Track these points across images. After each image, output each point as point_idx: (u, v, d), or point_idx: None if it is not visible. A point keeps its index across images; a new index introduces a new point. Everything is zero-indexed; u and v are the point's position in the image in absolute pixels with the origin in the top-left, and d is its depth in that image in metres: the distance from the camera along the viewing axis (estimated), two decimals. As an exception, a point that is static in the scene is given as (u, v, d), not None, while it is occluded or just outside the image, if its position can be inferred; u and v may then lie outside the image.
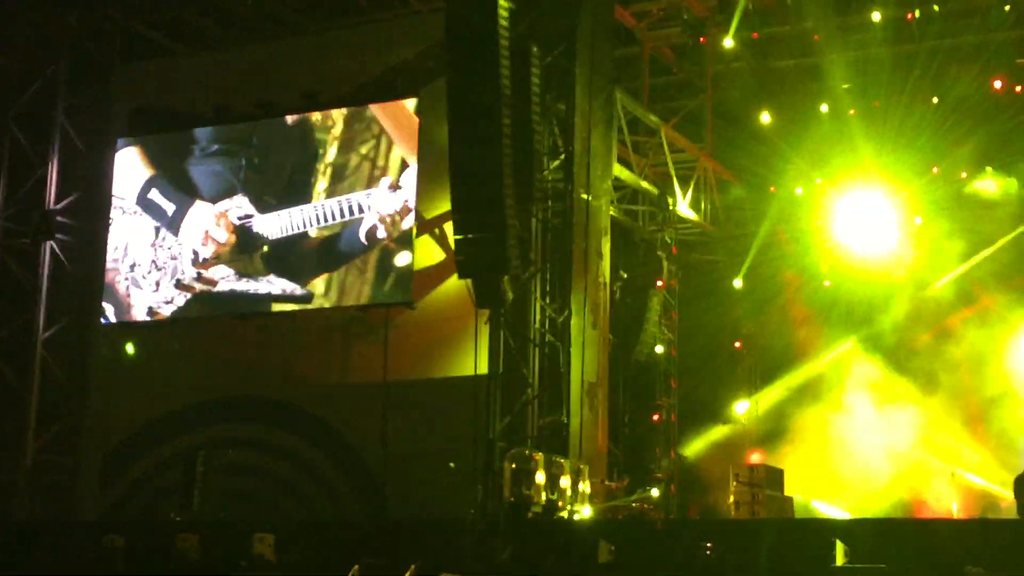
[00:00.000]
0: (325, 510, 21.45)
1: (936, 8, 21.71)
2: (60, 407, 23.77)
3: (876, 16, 21.73)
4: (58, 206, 24.01)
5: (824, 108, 23.25)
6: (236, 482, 21.40)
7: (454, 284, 19.53)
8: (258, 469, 22.06)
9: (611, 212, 20.94)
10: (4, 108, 24.12)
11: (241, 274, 22.56)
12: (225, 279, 22.65)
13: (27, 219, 23.88)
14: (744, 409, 23.98)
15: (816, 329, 23.45)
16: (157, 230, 23.31)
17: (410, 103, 21.66)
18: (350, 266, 21.74)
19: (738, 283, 24.11)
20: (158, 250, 23.22)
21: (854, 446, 21.79)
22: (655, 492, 20.46)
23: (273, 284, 22.31)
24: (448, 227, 18.50)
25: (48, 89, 24.14)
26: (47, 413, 23.56)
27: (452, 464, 18.43)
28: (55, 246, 23.87)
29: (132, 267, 23.40)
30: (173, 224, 23.19)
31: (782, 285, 24.02)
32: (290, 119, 22.71)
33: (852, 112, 22.98)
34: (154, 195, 23.45)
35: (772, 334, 23.90)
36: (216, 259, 22.75)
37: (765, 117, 23.33)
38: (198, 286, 22.81)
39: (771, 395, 23.81)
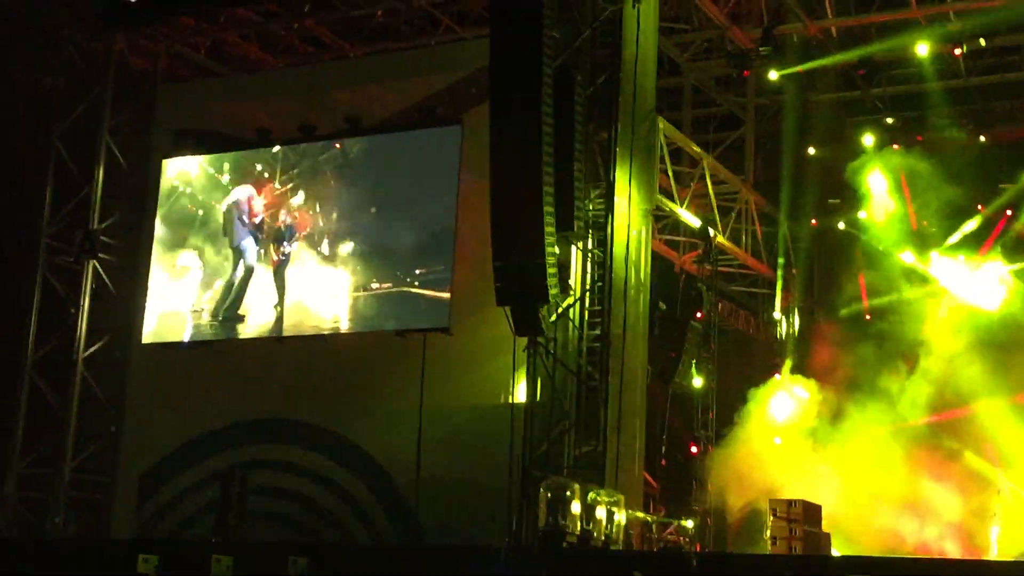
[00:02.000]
0: (358, 534, 21.40)
1: (983, 43, 21.64)
2: (98, 426, 23.85)
3: (923, 50, 21.65)
4: (102, 225, 24.17)
5: (868, 141, 23.17)
6: (271, 504, 21.38)
7: (492, 311, 19.50)
8: (292, 492, 22.04)
9: (651, 242, 20.87)
10: (50, 128, 24.33)
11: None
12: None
13: (71, 238, 24.05)
14: (779, 442, 23.75)
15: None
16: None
17: (452, 129, 21.68)
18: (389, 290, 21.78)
19: (777, 315, 24.01)
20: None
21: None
22: (690, 524, 20.34)
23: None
24: (488, 254, 18.46)
25: (93, 110, 24.36)
26: (85, 431, 23.66)
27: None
28: (98, 265, 24.02)
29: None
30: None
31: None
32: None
33: (896, 147, 22.89)
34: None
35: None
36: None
37: (809, 150, 23.27)
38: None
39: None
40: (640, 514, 19.44)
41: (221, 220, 23.45)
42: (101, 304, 24.14)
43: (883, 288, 23.76)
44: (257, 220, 23.15)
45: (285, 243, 22.83)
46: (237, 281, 23.13)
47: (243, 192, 23.35)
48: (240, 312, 22.96)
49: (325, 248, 22.47)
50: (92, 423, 23.80)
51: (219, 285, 23.25)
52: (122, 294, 24.18)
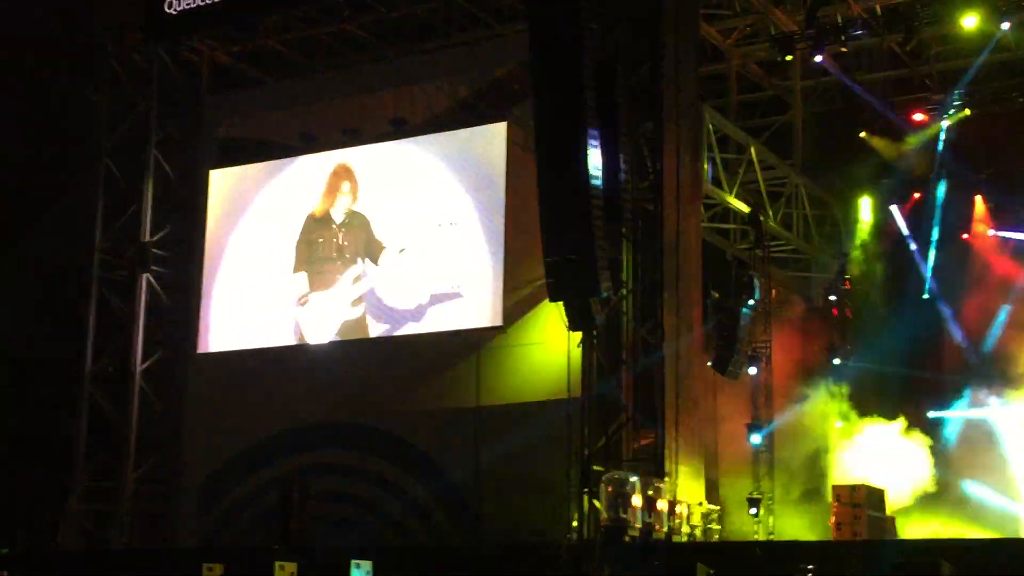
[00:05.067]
0: (420, 536, 21.41)
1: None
2: (158, 437, 24.00)
3: (970, 22, 21.33)
4: (153, 238, 24.31)
5: (919, 118, 22.92)
6: (332, 508, 21.43)
7: (545, 307, 19.45)
8: (352, 495, 22.09)
9: (701, 231, 20.73)
10: (98, 143, 24.50)
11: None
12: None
13: (123, 251, 24.22)
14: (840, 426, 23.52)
15: None
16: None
17: (498, 126, 21.63)
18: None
19: (833, 297, 23.81)
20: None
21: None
22: (753, 512, 20.20)
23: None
24: (538, 250, 18.41)
25: (140, 123, 24.51)
26: (145, 443, 23.81)
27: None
28: (151, 278, 24.17)
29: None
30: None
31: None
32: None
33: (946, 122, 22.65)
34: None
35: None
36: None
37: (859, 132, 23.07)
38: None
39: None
40: (702, 505, 19.31)
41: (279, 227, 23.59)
42: (156, 316, 24.28)
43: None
44: (315, 226, 23.22)
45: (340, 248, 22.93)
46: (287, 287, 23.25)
47: (302, 199, 23.45)
48: (296, 319, 23.04)
49: (379, 252, 22.50)
50: (151, 435, 23.94)
51: (275, 292, 23.38)
52: (177, 305, 24.32)
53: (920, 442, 21.80)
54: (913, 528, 20.28)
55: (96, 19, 24.37)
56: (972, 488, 21.53)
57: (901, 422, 21.98)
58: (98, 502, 23.59)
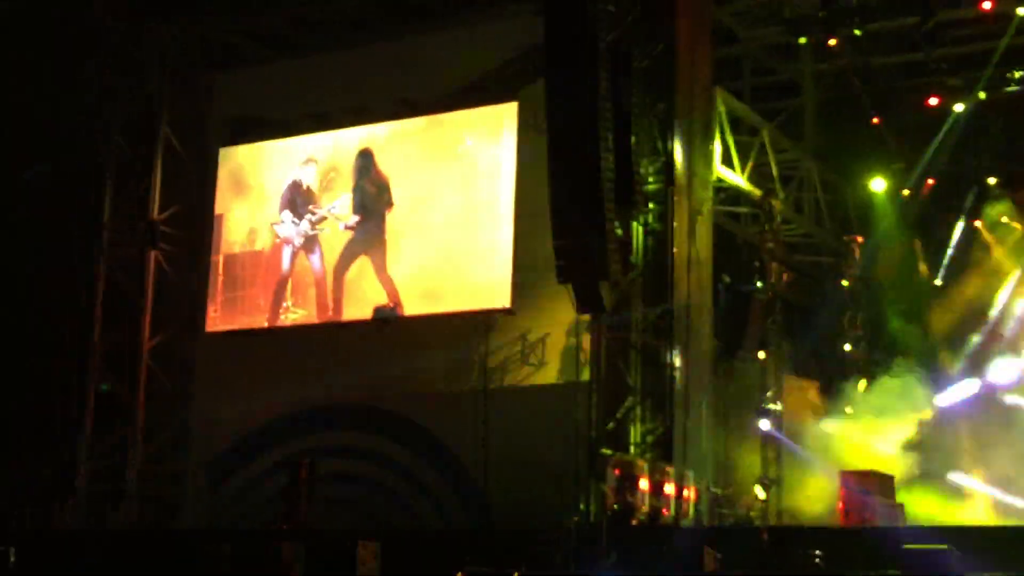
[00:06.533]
0: (428, 518, 21.40)
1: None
2: (166, 416, 24.00)
3: (987, 5, 21.14)
4: (162, 216, 24.28)
5: (933, 102, 22.73)
6: (340, 490, 21.41)
7: (554, 289, 19.38)
8: (360, 477, 22.07)
9: (713, 214, 20.62)
10: (109, 121, 24.45)
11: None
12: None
13: (132, 230, 24.19)
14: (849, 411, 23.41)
15: None
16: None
17: (507, 107, 21.53)
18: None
19: (845, 283, 23.68)
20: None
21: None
22: (761, 494, 20.10)
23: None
24: (548, 232, 18.34)
25: (150, 101, 24.45)
26: (153, 422, 23.82)
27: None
28: (159, 256, 24.13)
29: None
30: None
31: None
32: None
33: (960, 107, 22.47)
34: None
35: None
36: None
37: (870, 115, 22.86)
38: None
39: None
40: (711, 489, 19.25)
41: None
42: (164, 295, 24.25)
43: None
44: (319, 203, 23.18)
45: (344, 225, 22.86)
46: (297, 267, 23.20)
47: (305, 175, 23.38)
48: (304, 298, 23.00)
49: (386, 231, 22.43)
50: (159, 414, 23.93)
51: (280, 271, 23.33)
52: (184, 284, 24.28)
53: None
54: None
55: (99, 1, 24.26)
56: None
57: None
58: (105, 482, 23.61)
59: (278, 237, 23.40)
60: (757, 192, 21.94)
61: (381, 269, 22.41)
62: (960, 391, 22.05)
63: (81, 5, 24.05)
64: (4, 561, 18.90)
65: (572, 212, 17.80)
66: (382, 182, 22.75)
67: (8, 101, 23.69)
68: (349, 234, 22.80)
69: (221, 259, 23.92)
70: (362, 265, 22.62)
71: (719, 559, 15.33)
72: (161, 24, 24.23)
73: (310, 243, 23.13)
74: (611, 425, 18.56)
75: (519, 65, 21.45)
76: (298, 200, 23.35)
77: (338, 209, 22.88)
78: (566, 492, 18.49)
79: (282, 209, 23.44)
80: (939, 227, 23.69)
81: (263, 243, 23.67)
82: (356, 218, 22.74)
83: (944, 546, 14.06)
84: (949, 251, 23.48)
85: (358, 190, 22.89)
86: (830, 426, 21.99)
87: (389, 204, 22.54)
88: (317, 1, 23.76)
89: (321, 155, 23.37)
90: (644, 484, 17.24)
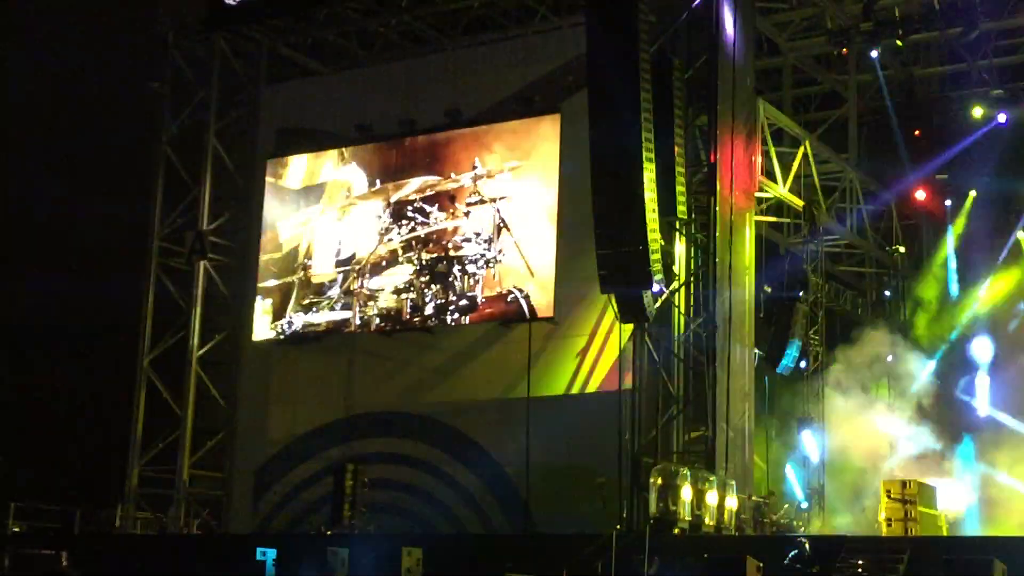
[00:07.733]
0: (471, 524, 21.55)
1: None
2: (214, 423, 24.29)
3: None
4: (211, 226, 24.59)
5: (978, 113, 22.70)
6: (383, 496, 21.59)
7: (597, 299, 19.51)
8: (405, 484, 22.24)
9: (755, 225, 20.69)
10: (158, 133, 24.82)
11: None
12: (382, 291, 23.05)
13: (182, 240, 24.51)
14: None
15: None
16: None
17: (551, 118, 21.71)
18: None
19: (887, 294, 23.70)
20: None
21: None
22: (805, 504, 20.14)
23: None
24: (591, 242, 18.47)
25: (199, 113, 24.80)
26: (201, 429, 24.11)
27: (600, 480, 18.31)
28: (208, 265, 24.45)
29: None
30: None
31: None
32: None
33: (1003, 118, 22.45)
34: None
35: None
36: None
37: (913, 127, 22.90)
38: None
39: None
40: (753, 497, 19.28)
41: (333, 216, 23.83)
42: (213, 304, 24.57)
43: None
44: (369, 216, 23.42)
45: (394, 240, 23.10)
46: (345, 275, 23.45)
47: (357, 189, 23.65)
48: (352, 308, 23.24)
49: (433, 243, 22.65)
50: (208, 421, 24.23)
51: (328, 281, 23.60)
52: (233, 293, 24.59)
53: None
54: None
55: (158, 11, 24.67)
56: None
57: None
58: (155, 487, 23.95)
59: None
60: (799, 203, 21.99)
61: (428, 280, 22.59)
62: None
63: (145, 19, 24.45)
64: (57, 564, 19.23)
65: (615, 222, 17.89)
66: (428, 192, 22.94)
67: (65, 108, 24.07)
68: (399, 246, 23.01)
69: (269, 268, 24.20)
70: (409, 275, 22.79)
71: (761, 568, 15.36)
72: (212, 36, 24.55)
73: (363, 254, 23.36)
74: (653, 433, 18.64)
75: (562, 77, 21.63)
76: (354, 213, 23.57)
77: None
78: (608, 500, 18.57)
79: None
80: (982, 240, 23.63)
81: (311, 253, 23.90)
82: (404, 237, 22.96)
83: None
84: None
85: (403, 201, 23.09)
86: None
87: (435, 217, 22.74)
88: (381, 14, 24.02)
89: (370, 167, 23.59)
90: (687, 493, 17.29)
